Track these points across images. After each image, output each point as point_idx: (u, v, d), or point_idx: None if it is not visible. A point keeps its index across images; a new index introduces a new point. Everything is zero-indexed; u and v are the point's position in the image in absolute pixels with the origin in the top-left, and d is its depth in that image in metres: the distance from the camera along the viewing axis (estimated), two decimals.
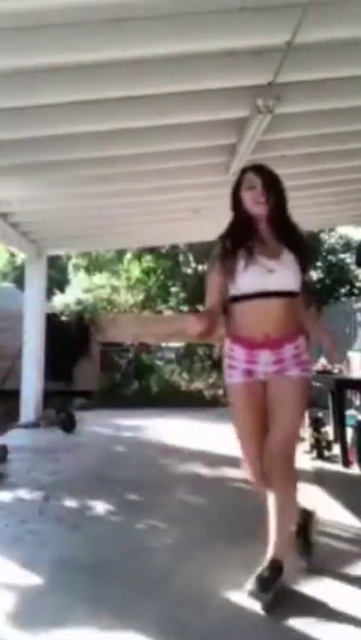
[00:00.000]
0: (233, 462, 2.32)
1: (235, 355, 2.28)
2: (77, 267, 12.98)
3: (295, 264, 2.21)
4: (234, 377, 2.29)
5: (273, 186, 2.23)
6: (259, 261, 2.17)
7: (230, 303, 2.27)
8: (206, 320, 2.07)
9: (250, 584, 2.13)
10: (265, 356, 2.22)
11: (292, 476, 2.24)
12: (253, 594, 2.10)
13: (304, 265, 2.25)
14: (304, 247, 2.28)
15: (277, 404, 2.23)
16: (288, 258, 2.20)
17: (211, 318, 2.15)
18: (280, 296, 2.18)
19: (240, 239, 2.23)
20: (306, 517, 2.54)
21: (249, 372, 2.26)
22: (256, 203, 2.20)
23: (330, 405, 5.64)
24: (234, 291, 2.23)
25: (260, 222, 2.24)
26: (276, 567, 2.18)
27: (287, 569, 2.23)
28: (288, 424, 2.21)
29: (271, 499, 2.21)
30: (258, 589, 2.10)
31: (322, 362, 5.66)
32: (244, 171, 2.29)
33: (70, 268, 13.40)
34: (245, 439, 2.31)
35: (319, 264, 11.86)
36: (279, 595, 2.14)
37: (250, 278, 2.17)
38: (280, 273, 2.17)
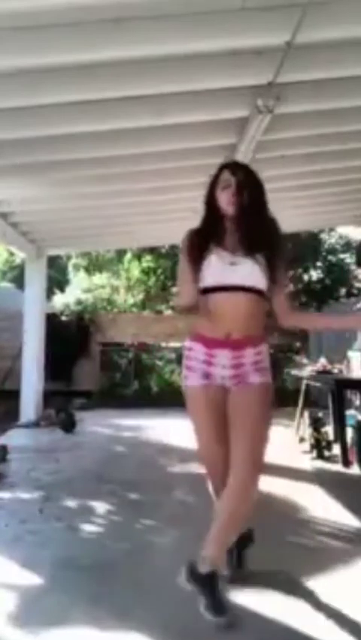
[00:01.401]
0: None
1: (192, 355, 2.21)
2: (77, 267, 13.00)
3: (262, 264, 2.13)
4: (191, 379, 2.20)
5: (247, 186, 2.16)
6: (223, 255, 2.12)
7: (200, 297, 2.18)
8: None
9: (184, 575, 2.02)
10: (223, 357, 2.13)
11: (255, 487, 2.09)
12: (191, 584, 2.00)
13: (274, 262, 2.16)
14: (275, 247, 2.19)
15: (240, 415, 2.12)
16: (255, 257, 2.13)
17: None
18: (242, 291, 2.11)
19: (208, 234, 2.20)
20: (248, 532, 2.37)
21: (207, 375, 2.17)
22: (228, 204, 2.16)
23: (330, 405, 5.64)
24: (201, 284, 2.16)
25: (232, 221, 2.19)
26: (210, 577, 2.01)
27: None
28: (255, 437, 2.09)
29: (225, 502, 2.08)
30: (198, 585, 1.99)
31: (322, 362, 5.67)
32: (221, 169, 2.23)
33: (70, 268, 13.41)
34: (202, 444, 2.22)
35: (319, 264, 11.85)
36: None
37: (213, 270, 2.12)
38: (244, 268, 2.10)
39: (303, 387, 6.11)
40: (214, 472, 2.23)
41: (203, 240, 2.19)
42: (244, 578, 2.33)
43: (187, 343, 2.26)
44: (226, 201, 2.16)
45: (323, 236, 12.26)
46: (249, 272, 2.11)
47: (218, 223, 2.21)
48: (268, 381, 2.18)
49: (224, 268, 2.11)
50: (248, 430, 2.09)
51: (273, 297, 2.22)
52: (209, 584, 1.98)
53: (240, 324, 2.12)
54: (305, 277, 11.64)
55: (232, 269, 2.10)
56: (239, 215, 2.16)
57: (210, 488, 2.30)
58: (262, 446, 2.11)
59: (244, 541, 2.33)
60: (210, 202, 2.22)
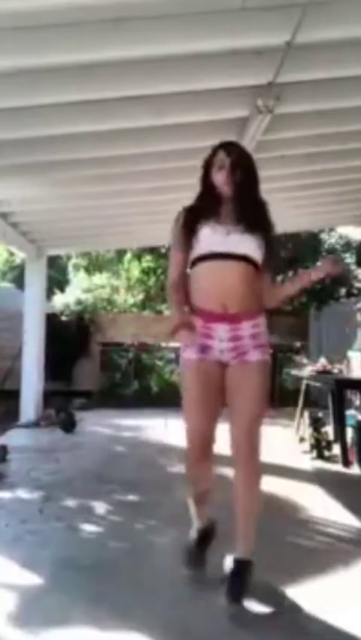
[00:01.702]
0: (232, 462, 2.32)
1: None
2: (77, 267, 13.00)
3: (255, 239, 2.17)
4: (188, 352, 2.20)
5: (241, 166, 2.22)
6: (218, 229, 2.16)
7: (190, 270, 2.24)
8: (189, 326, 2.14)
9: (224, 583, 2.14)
10: (221, 330, 2.14)
11: (258, 469, 2.18)
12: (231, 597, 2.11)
13: (267, 241, 2.20)
14: (267, 226, 2.24)
15: (238, 392, 2.16)
16: (248, 232, 2.17)
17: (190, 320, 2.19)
18: (236, 259, 2.13)
19: (203, 211, 2.24)
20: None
21: (204, 349, 2.17)
22: (223, 183, 2.20)
23: (330, 405, 5.64)
24: (192, 256, 2.21)
25: (226, 200, 2.23)
26: (246, 568, 2.16)
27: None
28: (252, 415, 2.14)
29: (235, 494, 2.17)
30: (229, 592, 2.11)
31: (322, 362, 5.67)
32: (216, 149, 2.28)
33: (70, 268, 13.41)
34: (190, 414, 2.23)
35: (319, 264, 11.85)
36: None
37: (206, 240, 2.16)
38: (238, 238, 2.14)
39: (303, 387, 6.11)
40: (196, 443, 2.25)
41: (197, 215, 2.23)
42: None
43: None
44: (222, 181, 2.21)
45: (323, 236, 12.25)
46: (242, 241, 2.14)
47: (214, 202, 2.24)
48: (266, 358, 2.19)
49: (217, 238, 2.14)
50: (248, 412, 2.15)
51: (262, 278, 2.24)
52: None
53: (234, 293, 2.13)
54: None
55: (225, 238, 2.14)
56: (235, 194, 2.21)
57: (187, 463, 2.35)
58: (260, 425, 2.17)
59: (241, 570, 2.20)
60: (206, 182, 2.27)
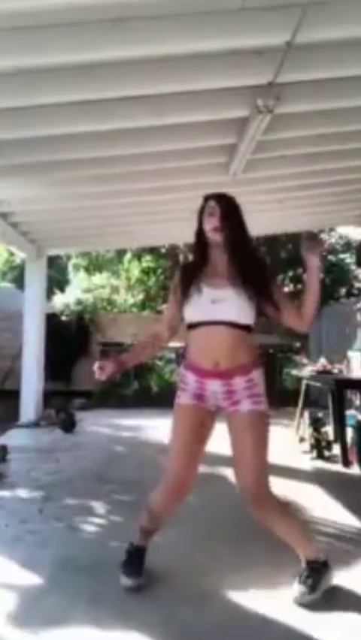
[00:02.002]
0: (232, 462, 2.32)
1: (186, 380, 2.28)
2: (77, 267, 13.00)
3: (249, 294, 2.18)
4: (183, 398, 2.28)
5: (231, 214, 2.27)
6: (205, 292, 2.20)
7: (187, 330, 2.30)
8: (111, 366, 2.29)
9: (296, 590, 2.23)
10: (214, 385, 2.19)
11: (275, 508, 2.24)
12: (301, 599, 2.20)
13: (265, 286, 2.23)
14: (260, 273, 2.26)
15: (237, 444, 2.20)
16: (241, 287, 2.18)
17: (120, 362, 2.33)
18: (225, 326, 2.17)
19: (193, 268, 2.32)
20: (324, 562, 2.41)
21: (198, 397, 2.24)
22: (213, 231, 2.25)
23: (330, 405, 5.65)
24: (186, 319, 2.28)
25: (217, 250, 2.28)
26: (315, 567, 2.27)
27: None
28: (253, 466, 2.16)
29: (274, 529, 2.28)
30: (306, 592, 2.21)
31: (322, 362, 5.67)
32: (206, 199, 2.34)
33: (70, 268, 13.42)
34: (174, 458, 2.27)
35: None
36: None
37: (195, 307, 2.22)
38: (226, 304, 2.17)
39: (303, 387, 6.11)
40: (173, 485, 2.28)
41: (190, 274, 2.30)
42: (245, 578, 2.33)
43: (181, 369, 2.34)
44: (211, 227, 2.25)
45: (323, 236, 12.25)
46: (232, 308, 2.17)
47: (204, 253, 2.31)
48: (259, 409, 2.19)
49: (207, 305, 2.18)
50: (250, 467, 2.17)
51: (282, 312, 2.26)
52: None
53: (226, 350, 2.17)
54: (305, 277, 11.63)
55: (213, 305, 2.18)
56: (225, 241, 2.25)
57: (158, 498, 2.35)
58: (265, 472, 2.19)
59: (308, 569, 2.32)
60: (199, 233, 2.33)
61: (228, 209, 2.27)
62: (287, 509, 2.42)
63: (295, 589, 2.22)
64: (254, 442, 2.17)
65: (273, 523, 2.26)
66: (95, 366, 2.29)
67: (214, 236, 2.26)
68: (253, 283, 2.20)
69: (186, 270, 2.36)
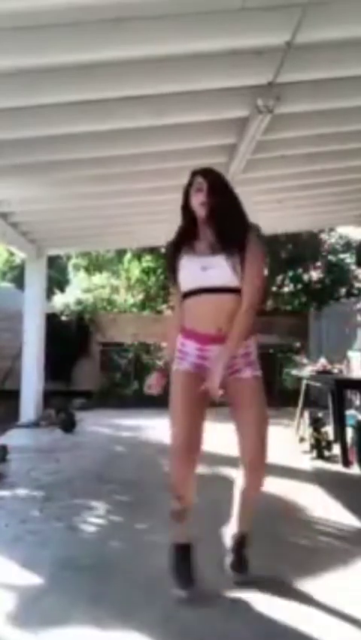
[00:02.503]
0: (233, 462, 2.32)
1: (185, 350, 2.28)
2: (77, 267, 12.99)
3: (232, 262, 2.18)
4: (181, 365, 2.28)
5: (218, 189, 2.28)
6: (195, 260, 2.25)
7: (183, 298, 2.32)
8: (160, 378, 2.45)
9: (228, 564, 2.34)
10: (216, 351, 2.21)
11: (264, 472, 2.30)
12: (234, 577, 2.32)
13: (245, 260, 2.19)
14: (246, 245, 2.22)
15: (241, 407, 2.27)
16: (225, 256, 2.19)
17: (163, 371, 2.46)
18: (221, 292, 2.20)
19: (183, 239, 2.35)
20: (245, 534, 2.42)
21: (198, 367, 2.25)
22: (200, 205, 2.27)
23: (330, 405, 5.65)
24: (183, 288, 2.31)
25: (204, 223, 2.30)
26: (243, 540, 2.36)
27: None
28: (259, 422, 2.25)
29: (243, 489, 2.31)
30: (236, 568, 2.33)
31: (322, 362, 5.67)
32: (192, 175, 2.35)
33: (70, 268, 13.40)
34: (177, 420, 2.26)
35: (319, 264, 11.84)
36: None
37: (188, 274, 2.26)
38: (216, 270, 2.20)
39: (303, 387, 6.11)
40: (182, 447, 2.25)
41: (177, 247, 2.34)
42: (245, 579, 2.33)
43: (179, 340, 2.32)
44: (198, 202, 2.28)
45: (323, 236, 12.24)
46: (222, 272, 2.19)
47: (192, 226, 2.34)
48: (257, 374, 2.30)
49: (198, 271, 2.23)
50: (255, 421, 2.25)
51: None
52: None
53: (226, 317, 2.21)
54: (305, 277, 11.62)
55: (204, 272, 2.21)
56: (210, 216, 2.27)
57: (171, 468, 2.31)
58: (265, 430, 2.27)
59: (244, 542, 2.39)
60: (185, 206, 2.36)
61: (215, 184, 2.29)
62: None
63: (232, 560, 2.35)
64: (258, 400, 2.27)
65: (257, 489, 2.31)
66: (146, 387, 2.47)
67: (201, 211, 2.27)
68: (238, 252, 2.20)
69: (174, 244, 2.38)
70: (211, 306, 2.21)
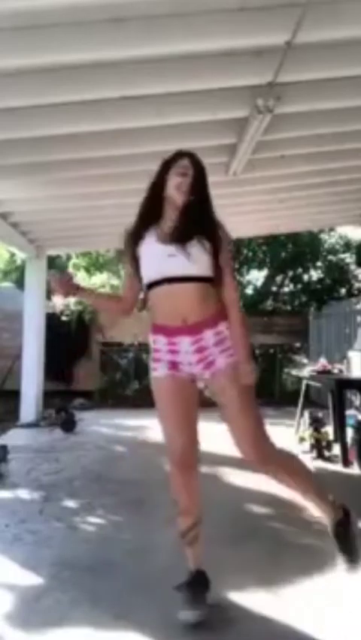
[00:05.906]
0: (233, 462, 2.32)
1: (157, 347, 2.21)
2: (77, 267, 12.98)
3: (203, 249, 2.10)
4: (158, 370, 2.20)
5: (202, 179, 2.19)
6: (160, 248, 2.12)
7: (147, 291, 2.22)
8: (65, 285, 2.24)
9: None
10: (184, 343, 2.12)
11: (280, 460, 2.20)
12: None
13: (217, 250, 2.13)
14: (216, 235, 2.15)
15: (226, 406, 2.13)
16: (195, 244, 2.10)
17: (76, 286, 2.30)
18: (187, 281, 2.10)
19: (146, 223, 2.22)
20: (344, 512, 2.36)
21: (174, 365, 2.16)
22: (181, 192, 2.15)
23: (330, 405, 5.64)
24: (145, 279, 2.19)
25: (175, 209, 2.18)
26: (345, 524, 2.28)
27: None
28: (247, 429, 2.10)
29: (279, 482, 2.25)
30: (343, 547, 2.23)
31: (322, 362, 5.67)
32: (179, 155, 2.22)
33: (70, 268, 13.39)
34: (166, 431, 2.20)
35: (319, 264, 11.86)
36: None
37: (150, 264, 2.14)
38: (182, 258, 2.08)
39: (303, 387, 6.11)
40: (177, 457, 2.19)
41: (139, 231, 2.20)
42: (245, 578, 2.33)
43: (150, 337, 2.25)
44: (176, 186, 2.14)
45: (323, 236, 12.24)
46: (188, 260, 2.08)
47: (158, 208, 2.21)
48: (231, 360, 2.12)
49: (163, 260, 2.10)
50: (243, 425, 2.10)
51: (221, 287, 2.16)
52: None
53: (192, 310, 2.10)
54: (305, 277, 11.63)
55: (170, 259, 2.09)
56: (186, 204, 2.15)
57: (171, 480, 2.24)
58: (261, 426, 2.13)
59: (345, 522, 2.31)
60: (156, 185, 2.22)
61: (201, 174, 2.19)
62: (295, 464, 2.29)
63: (342, 560, 2.21)
64: (240, 394, 2.09)
65: (282, 479, 2.22)
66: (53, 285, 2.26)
67: (179, 197, 2.15)
68: (208, 241, 2.12)
69: (135, 230, 2.24)
70: (177, 296, 2.10)
